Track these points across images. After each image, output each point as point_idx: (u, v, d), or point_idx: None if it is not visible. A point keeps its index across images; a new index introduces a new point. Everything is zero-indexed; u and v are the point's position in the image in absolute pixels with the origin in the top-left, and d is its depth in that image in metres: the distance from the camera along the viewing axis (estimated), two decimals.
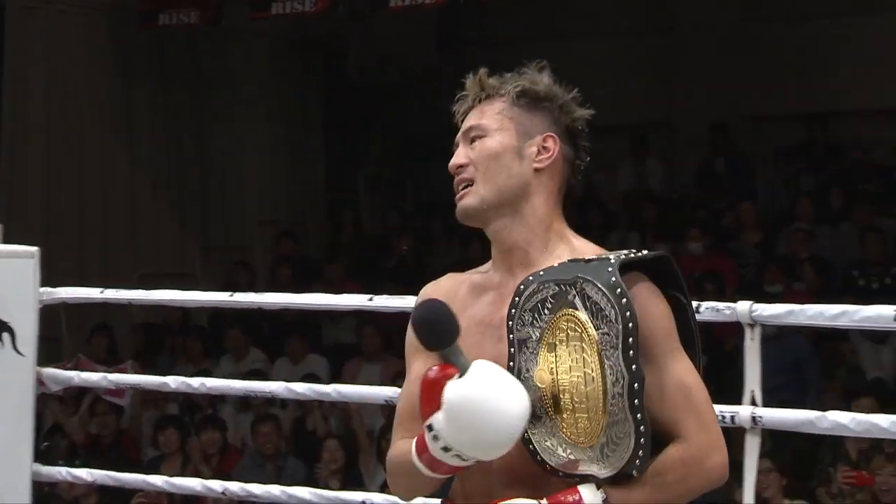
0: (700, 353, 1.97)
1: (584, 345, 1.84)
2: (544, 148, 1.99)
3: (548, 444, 1.87)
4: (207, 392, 3.90)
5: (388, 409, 6.74)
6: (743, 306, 3.01)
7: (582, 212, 8.90)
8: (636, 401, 1.81)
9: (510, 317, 1.90)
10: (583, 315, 1.84)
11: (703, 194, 8.85)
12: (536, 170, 1.98)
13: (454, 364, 1.84)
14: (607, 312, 1.83)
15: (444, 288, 2.06)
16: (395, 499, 3.50)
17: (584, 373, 1.83)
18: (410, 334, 1.96)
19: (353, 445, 6.83)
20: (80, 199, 8.71)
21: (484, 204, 1.98)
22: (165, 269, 8.93)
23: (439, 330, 1.85)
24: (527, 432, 1.87)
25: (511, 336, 1.89)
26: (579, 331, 1.84)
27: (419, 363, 2.00)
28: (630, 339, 1.82)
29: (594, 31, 9.87)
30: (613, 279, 1.84)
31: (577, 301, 1.85)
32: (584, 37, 9.85)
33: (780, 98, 9.18)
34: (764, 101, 9.30)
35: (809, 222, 7.91)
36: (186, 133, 9.38)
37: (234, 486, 3.60)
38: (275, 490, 3.54)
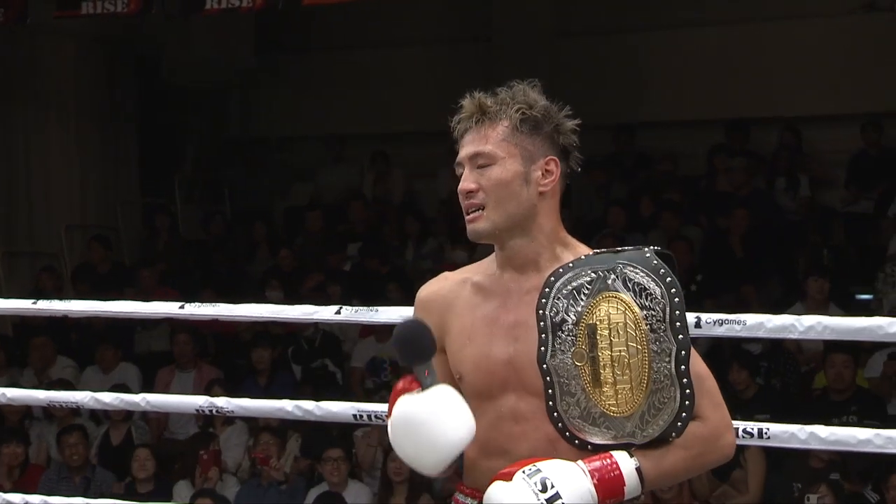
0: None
1: (627, 321, 2.02)
2: (547, 171, 2.14)
3: (578, 421, 2.04)
4: (9, 403, 3.75)
5: (202, 417, 6.65)
6: None
7: (399, 218, 8.96)
8: (683, 367, 2.03)
9: (541, 306, 2.06)
10: (626, 296, 2.03)
11: None
12: (541, 192, 2.13)
13: (420, 381, 2.04)
14: (651, 291, 2.03)
15: (446, 289, 2.20)
16: None
17: (629, 346, 2.02)
18: None
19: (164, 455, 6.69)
20: None
21: (496, 229, 2.12)
22: None
23: (413, 348, 2.05)
24: (556, 412, 2.04)
25: (542, 323, 2.05)
26: (623, 309, 2.03)
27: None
28: (677, 312, 2.03)
29: (411, 40, 9.92)
30: (655, 262, 2.06)
31: (619, 284, 2.04)
32: (402, 44, 9.89)
33: (593, 109, 9.36)
34: (577, 112, 9.48)
35: (621, 230, 8.12)
36: None
37: (36, 499, 3.47)
38: (78, 501, 3.43)
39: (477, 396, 2.13)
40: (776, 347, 6.65)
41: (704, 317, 3.04)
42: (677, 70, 9.28)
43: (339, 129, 9.93)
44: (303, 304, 3.51)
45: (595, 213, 8.74)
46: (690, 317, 3.02)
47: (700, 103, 9.21)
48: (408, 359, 2.06)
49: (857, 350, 6.33)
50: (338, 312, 3.35)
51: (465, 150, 2.14)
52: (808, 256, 7.83)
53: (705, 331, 3.05)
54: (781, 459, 5.79)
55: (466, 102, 2.16)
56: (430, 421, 2.00)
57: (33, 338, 7.64)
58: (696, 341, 6.89)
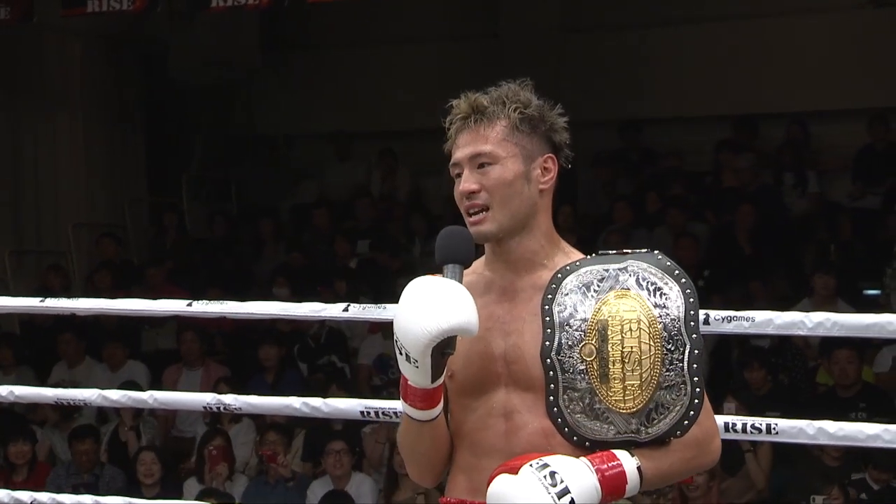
0: None
1: (640, 317, 2.03)
2: (545, 169, 2.14)
3: (579, 416, 2.03)
4: (16, 401, 3.76)
5: (210, 415, 6.66)
6: None
7: (406, 216, 8.96)
8: (695, 366, 2.03)
9: (547, 301, 2.06)
10: (639, 294, 2.04)
11: None
12: (541, 190, 2.13)
13: (445, 276, 2.05)
14: (666, 290, 2.05)
15: None
16: None
17: (641, 343, 2.02)
18: None
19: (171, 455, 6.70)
20: None
21: (501, 230, 2.11)
22: None
23: (453, 247, 2.08)
24: (557, 407, 2.03)
25: (548, 318, 2.05)
26: (636, 306, 2.03)
27: None
28: (691, 312, 2.05)
29: (418, 37, 9.91)
30: (668, 263, 2.09)
31: (632, 282, 2.05)
32: (408, 41, 9.89)
33: (599, 104, 9.39)
34: (584, 108, 9.48)
35: (627, 226, 8.12)
36: None
37: (44, 497, 3.48)
38: (87, 500, 3.44)
39: (468, 393, 2.11)
40: (784, 342, 6.64)
41: (713, 313, 3.03)
42: (683, 66, 9.27)
43: (346, 127, 9.93)
44: (311, 302, 3.51)
45: (601, 209, 8.74)
46: (700, 314, 3.02)
47: (706, 99, 9.20)
48: (444, 255, 2.08)
49: (865, 346, 6.32)
50: (346, 310, 3.35)
51: (464, 151, 2.12)
52: (815, 252, 7.82)
53: (714, 327, 3.05)
54: (792, 456, 5.79)
55: (461, 102, 2.14)
56: (441, 291, 1.99)
57: (62, 334, 7.64)
58: (703, 338, 6.83)
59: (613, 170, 9.04)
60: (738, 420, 3.07)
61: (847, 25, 8.94)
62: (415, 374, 2.01)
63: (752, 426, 3.02)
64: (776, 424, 3.02)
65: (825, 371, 6.49)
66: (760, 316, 3.02)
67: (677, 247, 7.59)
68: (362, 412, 3.32)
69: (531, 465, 1.96)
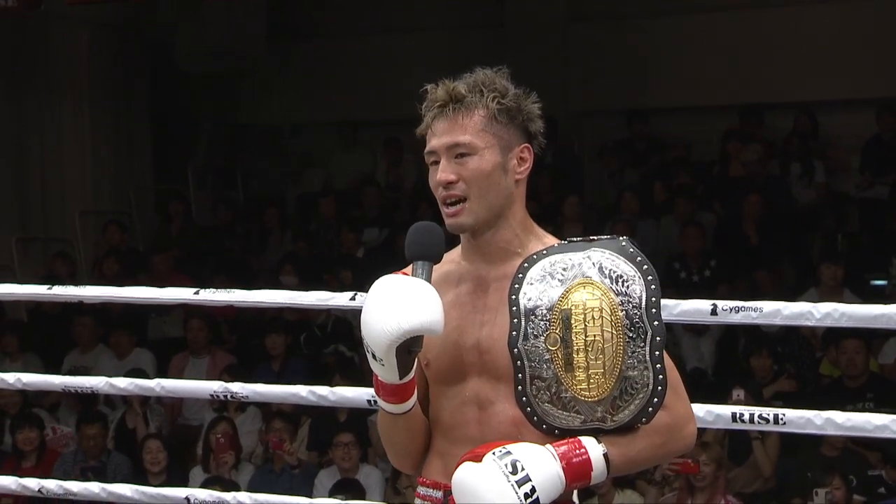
0: None
1: (603, 306, 2.02)
2: (521, 159, 2.13)
3: (547, 406, 2.04)
4: (23, 388, 3.76)
5: (217, 402, 6.67)
6: None
7: (413, 204, 8.95)
8: (657, 353, 2.03)
9: (514, 291, 2.06)
10: (601, 282, 2.04)
11: (533, 188, 8.96)
12: (517, 180, 2.13)
13: (414, 273, 2.06)
14: (627, 277, 2.04)
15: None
16: (220, 494, 3.47)
17: (603, 331, 2.02)
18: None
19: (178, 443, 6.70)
20: None
21: (478, 223, 2.11)
22: None
23: (422, 243, 2.08)
24: (525, 396, 2.04)
25: (514, 308, 2.05)
26: (598, 295, 2.03)
27: None
28: (653, 299, 2.03)
29: (424, 26, 9.90)
30: (631, 250, 2.07)
31: (594, 271, 2.05)
32: (414, 31, 9.88)
33: (606, 94, 9.38)
34: (590, 97, 9.48)
35: (634, 215, 8.11)
36: (3, 120, 9.05)
37: (51, 484, 3.49)
38: (94, 487, 3.44)
39: (442, 381, 2.14)
40: (791, 332, 6.64)
41: (721, 304, 3.02)
42: (691, 55, 9.25)
43: (352, 116, 9.92)
44: (318, 291, 3.50)
45: (608, 199, 8.73)
46: (707, 304, 3.02)
47: (713, 88, 9.19)
48: (413, 251, 2.07)
49: (871, 336, 6.31)
50: (353, 299, 3.35)
51: (441, 140, 2.10)
52: (822, 242, 7.81)
53: (722, 318, 3.04)
54: (801, 445, 5.78)
55: (437, 89, 2.12)
56: (406, 290, 1.99)
57: (81, 316, 7.64)
58: (709, 327, 6.80)
59: (620, 159, 9.02)
60: (746, 410, 3.06)
61: (855, 15, 8.92)
62: (382, 371, 2.03)
63: (760, 416, 3.02)
64: (783, 414, 3.01)
65: (829, 362, 6.48)
66: (768, 306, 3.00)
67: (684, 236, 7.59)
68: (369, 401, 3.31)
69: (494, 454, 1.98)
